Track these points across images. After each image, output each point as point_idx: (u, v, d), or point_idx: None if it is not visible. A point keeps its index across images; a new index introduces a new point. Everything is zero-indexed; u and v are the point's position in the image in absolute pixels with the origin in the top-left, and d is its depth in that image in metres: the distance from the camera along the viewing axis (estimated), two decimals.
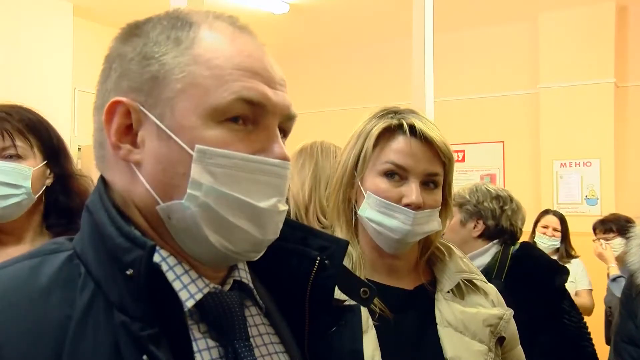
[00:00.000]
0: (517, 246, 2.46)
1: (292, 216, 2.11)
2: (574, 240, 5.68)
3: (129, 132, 0.79)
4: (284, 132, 0.84)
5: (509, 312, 1.45)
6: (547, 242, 4.28)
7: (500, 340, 1.43)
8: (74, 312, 0.72)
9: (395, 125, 1.41)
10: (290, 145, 0.92)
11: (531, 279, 2.35)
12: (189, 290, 0.79)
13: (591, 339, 2.37)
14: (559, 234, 4.33)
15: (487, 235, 2.50)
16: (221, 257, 0.79)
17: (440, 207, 1.43)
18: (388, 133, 1.41)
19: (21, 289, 0.73)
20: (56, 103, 5.58)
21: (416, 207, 1.36)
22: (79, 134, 6.03)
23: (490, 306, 1.45)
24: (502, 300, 1.51)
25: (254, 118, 0.79)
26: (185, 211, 0.75)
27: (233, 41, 0.80)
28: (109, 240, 0.75)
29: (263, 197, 0.78)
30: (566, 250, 4.32)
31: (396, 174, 1.38)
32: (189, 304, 0.78)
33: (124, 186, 0.80)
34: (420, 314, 1.41)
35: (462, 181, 3.13)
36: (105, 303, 0.74)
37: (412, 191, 1.36)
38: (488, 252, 2.48)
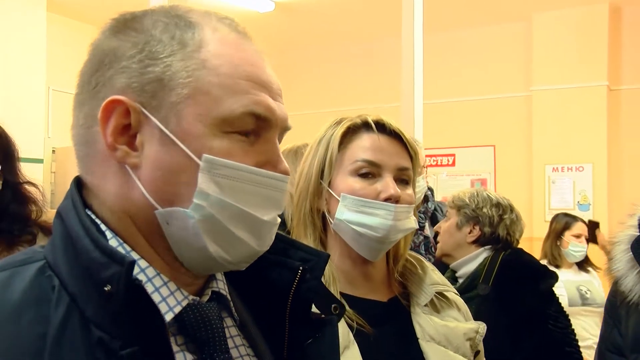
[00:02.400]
0: (507, 252, 2.49)
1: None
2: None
3: (125, 133, 0.76)
4: (278, 140, 0.85)
5: (483, 326, 1.46)
6: (582, 249, 4.23)
7: (475, 354, 1.44)
8: (49, 329, 0.71)
9: (358, 125, 1.41)
10: None
11: (517, 283, 2.37)
12: (167, 303, 0.78)
13: (578, 345, 2.39)
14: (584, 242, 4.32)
15: (481, 242, 2.51)
16: (214, 265, 0.80)
17: (414, 205, 1.43)
18: (351, 133, 1.41)
19: None
20: (29, 103, 5.54)
21: (395, 200, 1.35)
22: (53, 135, 5.99)
23: (463, 319, 1.47)
24: (470, 315, 1.52)
25: (257, 130, 0.80)
26: (188, 220, 0.75)
27: (238, 49, 0.80)
28: (83, 254, 0.73)
29: (265, 210, 0.80)
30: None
31: (369, 172, 1.38)
32: (168, 317, 0.77)
33: (114, 191, 0.78)
34: (399, 328, 1.40)
35: (453, 186, 3.15)
36: (81, 318, 0.72)
37: (388, 185, 1.35)
38: (478, 257, 2.50)
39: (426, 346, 1.36)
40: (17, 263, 0.77)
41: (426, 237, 2.90)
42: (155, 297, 0.77)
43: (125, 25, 0.79)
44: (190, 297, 0.81)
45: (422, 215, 3.02)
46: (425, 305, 1.42)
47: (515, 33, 6.44)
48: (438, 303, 1.44)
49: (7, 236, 1.67)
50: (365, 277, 1.43)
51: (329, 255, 0.95)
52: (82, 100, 0.80)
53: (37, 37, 5.70)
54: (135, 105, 0.75)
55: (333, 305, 1.02)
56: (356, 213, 1.37)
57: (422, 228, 3.00)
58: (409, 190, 1.41)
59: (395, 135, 1.39)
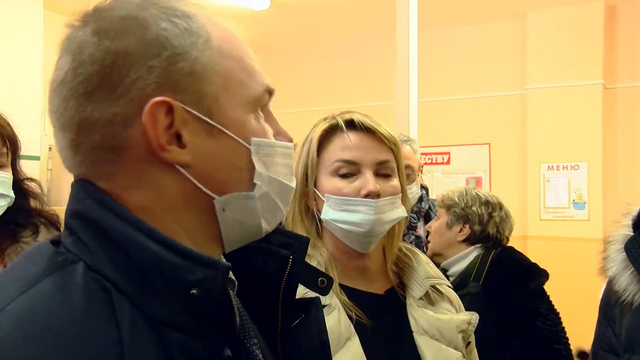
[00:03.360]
0: (498, 250, 2.51)
1: None
2: (560, 246, 5.75)
3: (166, 132, 0.75)
4: None
5: (475, 317, 1.51)
6: None
7: (467, 345, 1.49)
8: (122, 329, 0.70)
9: (333, 126, 1.46)
10: None
11: (507, 281, 2.40)
12: None
13: (568, 343, 2.42)
14: None
15: (471, 240, 2.54)
16: (253, 238, 0.86)
17: (400, 195, 1.47)
18: (329, 134, 1.46)
19: (62, 314, 0.69)
20: (25, 100, 5.53)
21: (375, 195, 1.40)
22: (49, 133, 5.98)
23: (455, 311, 1.51)
24: (462, 306, 1.57)
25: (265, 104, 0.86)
26: (247, 202, 0.81)
27: (228, 31, 0.83)
28: (147, 256, 0.73)
29: (289, 177, 0.87)
30: None
31: (348, 171, 1.42)
32: None
33: (146, 194, 0.77)
34: (394, 320, 1.44)
35: (448, 184, 3.17)
36: (145, 318, 0.72)
37: (367, 181, 1.40)
38: (469, 256, 2.53)
39: (420, 339, 1.40)
40: (60, 265, 0.74)
41: (418, 237, 2.92)
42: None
43: (126, 22, 0.76)
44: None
45: (414, 215, 3.04)
46: (420, 299, 1.46)
47: (510, 31, 6.44)
48: (432, 296, 1.48)
49: (12, 226, 1.70)
50: (361, 269, 1.48)
51: (309, 239, 0.98)
52: (95, 103, 0.76)
53: (33, 35, 5.69)
54: (177, 103, 0.75)
55: (320, 279, 1.04)
56: (340, 212, 1.42)
57: (414, 228, 3.01)
58: (393, 182, 1.45)
59: (369, 131, 1.42)
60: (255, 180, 0.80)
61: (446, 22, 6.45)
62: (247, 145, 0.79)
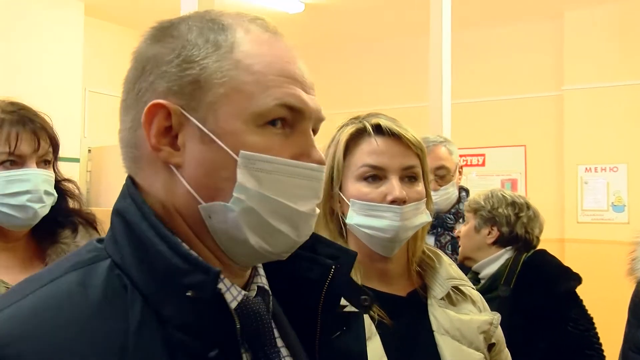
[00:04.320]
0: (530, 253, 2.49)
1: None
2: (599, 249, 5.65)
3: (167, 134, 0.80)
4: (313, 133, 0.88)
5: (497, 317, 1.50)
6: None
7: (490, 346, 1.48)
8: (130, 326, 0.74)
9: (360, 129, 1.46)
10: None
11: (536, 284, 2.38)
12: (231, 293, 0.82)
13: (601, 349, 2.37)
14: None
15: (501, 242, 2.53)
16: (256, 256, 0.84)
17: (425, 199, 1.47)
18: (356, 138, 1.46)
19: (75, 307, 0.74)
20: (66, 104, 5.63)
21: (401, 201, 1.40)
22: (89, 135, 6.08)
23: (478, 312, 1.50)
24: (487, 306, 1.56)
25: (292, 123, 0.83)
26: (228, 213, 0.78)
27: (270, 47, 0.84)
28: (160, 259, 0.76)
29: (303, 200, 0.83)
30: None
31: (374, 175, 1.42)
32: (232, 305, 0.81)
33: (162, 189, 0.82)
34: (415, 320, 1.44)
35: (483, 186, 3.14)
36: (156, 317, 0.76)
37: (393, 187, 1.40)
38: (500, 259, 2.51)
39: (440, 339, 1.41)
40: (87, 262, 0.80)
41: (453, 238, 2.90)
42: (222, 288, 0.81)
43: (164, 32, 0.84)
44: (243, 292, 0.84)
45: (451, 217, 3.02)
46: (441, 299, 1.46)
47: (547, 31, 6.35)
48: (454, 297, 1.48)
49: (52, 225, 1.73)
50: (383, 272, 1.49)
51: (356, 254, 0.98)
52: (128, 105, 0.84)
53: (74, 39, 5.81)
54: (175, 107, 0.79)
55: (363, 297, 1.05)
56: (365, 217, 1.43)
57: (450, 228, 2.99)
58: (418, 187, 1.45)
59: (396, 136, 1.42)
60: (234, 193, 0.78)
61: (480, 22, 6.40)
62: (235, 156, 0.78)
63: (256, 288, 0.88)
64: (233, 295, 0.82)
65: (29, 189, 1.62)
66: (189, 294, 0.74)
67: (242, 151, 0.78)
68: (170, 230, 0.80)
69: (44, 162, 1.68)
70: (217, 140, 0.78)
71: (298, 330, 0.93)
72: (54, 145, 1.73)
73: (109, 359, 0.71)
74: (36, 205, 1.63)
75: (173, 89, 0.79)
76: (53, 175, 1.71)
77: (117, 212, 0.83)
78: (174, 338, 0.75)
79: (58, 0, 5.67)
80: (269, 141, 0.80)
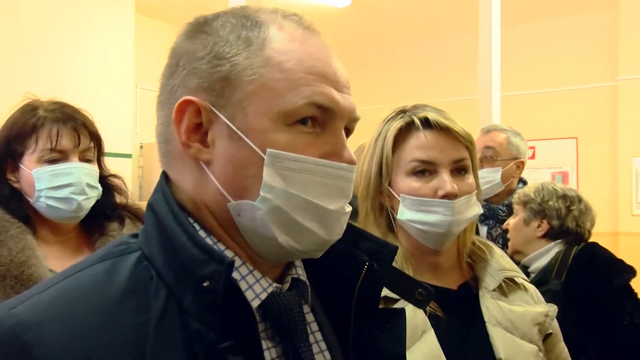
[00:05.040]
0: (581, 246, 2.44)
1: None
2: None
3: (197, 130, 0.80)
4: (347, 132, 0.86)
5: (553, 309, 1.47)
6: None
7: (546, 337, 1.45)
8: (151, 317, 0.74)
9: (408, 124, 1.43)
10: (352, 141, 0.94)
11: (589, 277, 2.33)
12: (254, 290, 0.81)
13: None
14: None
15: (551, 235, 2.48)
16: (286, 254, 0.83)
17: (476, 191, 1.45)
18: (403, 133, 1.43)
19: (100, 295, 0.75)
20: (118, 100, 5.75)
21: (453, 196, 1.38)
22: (140, 132, 6.18)
23: (533, 302, 1.47)
24: (542, 297, 1.52)
25: (323, 121, 0.81)
26: (256, 212, 0.77)
27: (303, 44, 0.82)
28: (181, 249, 0.76)
29: (331, 199, 0.81)
30: None
31: (425, 170, 1.40)
32: (254, 304, 0.80)
33: (192, 184, 0.82)
34: (467, 313, 1.42)
35: (533, 179, 3.08)
36: (177, 308, 0.76)
37: (445, 182, 1.38)
38: (550, 252, 2.47)
39: (492, 330, 1.39)
40: (117, 253, 0.81)
41: (505, 231, 2.86)
42: (242, 285, 0.80)
43: (198, 28, 0.83)
44: (274, 284, 0.83)
45: (503, 209, 2.95)
46: (493, 290, 1.44)
47: (601, 21, 6.22)
48: (507, 288, 1.46)
49: (100, 218, 1.78)
50: (434, 265, 1.47)
51: (397, 247, 0.95)
52: (162, 101, 0.84)
53: (125, 38, 5.91)
54: (205, 104, 0.79)
55: (418, 290, 1.03)
56: (417, 212, 1.41)
57: (502, 221, 2.94)
58: (469, 179, 1.44)
59: (444, 129, 1.40)
60: (261, 192, 0.77)
61: (530, 16, 6.29)
62: (262, 154, 0.77)
63: (290, 280, 0.87)
64: (263, 287, 0.81)
65: (71, 182, 1.67)
66: (205, 284, 0.74)
67: (268, 149, 0.77)
68: (199, 225, 0.81)
69: (86, 158, 1.72)
70: (244, 137, 0.77)
71: (335, 327, 0.92)
72: (97, 141, 1.77)
73: (128, 347, 0.72)
74: (79, 198, 1.68)
75: (203, 85, 0.79)
76: (96, 169, 1.75)
77: (149, 206, 0.84)
78: (192, 328, 0.75)
79: None
80: (297, 140, 0.79)
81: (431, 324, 1.36)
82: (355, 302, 0.91)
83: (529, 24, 6.45)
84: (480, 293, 1.44)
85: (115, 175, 1.87)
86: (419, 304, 1.04)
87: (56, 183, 1.66)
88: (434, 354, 1.32)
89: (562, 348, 1.53)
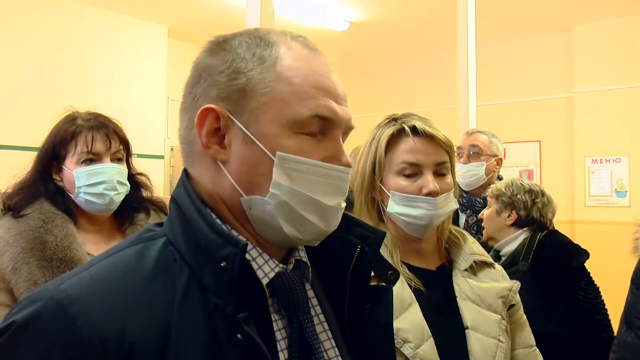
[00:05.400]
0: (544, 233, 2.46)
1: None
2: (605, 230, 5.52)
3: (216, 134, 0.80)
4: (343, 138, 0.86)
5: (516, 285, 1.50)
6: None
7: (510, 307, 1.48)
8: (176, 293, 0.75)
9: (399, 130, 1.44)
10: (349, 144, 0.93)
11: (551, 259, 2.36)
12: (263, 270, 0.81)
13: (607, 315, 2.34)
14: None
15: (519, 224, 2.51)
16: (289, 242, 0.83)
17: (453, 189, 1.47)
18: (395, 138, 1.44)
19: (133, 274, 0.75)
20: (153, 110, 5.76)
21: (435, 194, 1.40)
22: (171, 136, 6.20)
23: (501, 278, 1.50)
24: (507, 275, 1.55)
25: (324, 129, 0.81)
26: (266, 206, 0.78)
27: (308, 62, 0.82)
28: (201, 235, 0.77)
29: (330, 196, 0.82)
30: None
31: (411, 171, 1.42)
32: (264, 282, 0.80)
33: (209, 180, 0.82)
34: (443, 290, 1.45)
35: (504, 176, 3.09)
36: (199, 286, 0.76)
37: (428, 182, 1.40)
38: (518, 238, 2.49)
39: (462, 303, 1.42)
40: (146, 238, 0.82)
41: (479, 220, 2.86)
42: (254, 265, 0.80)
43: (218, 46, 0.83)
44: (280, 265, 0.83)
45: (480, 201, 2.94)
46: (465, 270, 1.46)
47: (559, 43, 6.20)
48: (477, 268, 1.48)
49: (129, 210, 1.80)
50: (417, 250, 1.49)
51: (384, 233, 0.96)
52: (185, 107, 0.84)
53: (159, 58, 5.94)
54: (223, 111, 0.79)
55: (389, 272, 1.04)
56: (403, 207, 1.42)
57: (478, 212, 2.93)
58: (448, 179, 1.45)
59: (429, 136, 1.41)
60: (270, 189, 0.77)
61: (500, 36, 6.28)
62: (272, 157, 0.77)
63: (294, 262, 0.87)
64: (270, 267, 0.82)
65: (104, 179, 1.68)
66: (222, 264, 0.74)
67: (278, 152, 0.77)
68: (215, 214, 0.80)
69: (117, 159, 1.74)
70: (257, 142, 0.78)
71: (332, 302, 0.92)
72: (125, 145, 1.78)
73: (157, 319, 0.72)
74: (111, 193, 1.69)
75: (222, 95, 0.79)
76: (125, 169, 1.76)
77: (173, 198, 0.84)
78: (211, 302, 0.75)
79: (145, 25, 5.79)
80: (302, 145, 0.79)
81: (416, 299, 1.37)
82: (349, 280, 0.90)
83: (500, 43, 6.44)
84: (454, 273, 1.46)
85: (141, 174, 1.88)
86: (390, 282, 1.04)
87: (92, 181, 1.67)
88: (417, 322, 1.34)
89: (521, 315, 1.55)
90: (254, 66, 0.79)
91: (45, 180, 1.70)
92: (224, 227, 0.79)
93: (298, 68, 0.80)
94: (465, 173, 2.91)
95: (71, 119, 1.73)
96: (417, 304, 1.37)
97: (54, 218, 1.64)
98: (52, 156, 1.71)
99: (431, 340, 1.33)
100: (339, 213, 0.84)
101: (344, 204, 0.85)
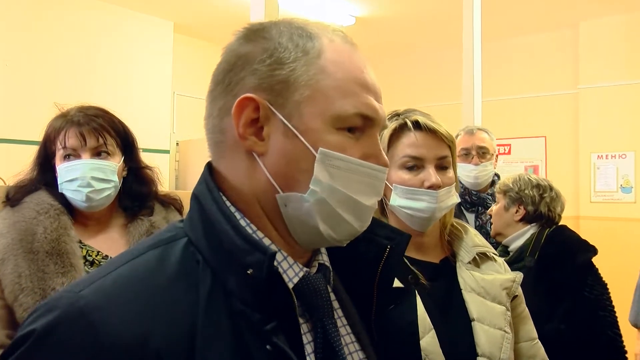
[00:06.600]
0: (552, 228, 2.44)
1: None
2: (610, 226, 5.49)
3: (253, 125, 0.77)
4: None
5: (519, 276, 1.50)
6: None
7: (513, 298, 1.48)
8: (200, 297, 0.72)
9: (401, 125, 1.45)
10: None
11: (558, 255, 2.34)
12: (287, 274, 0.79)
13: (613, 311, 2.32)
14: None
15: (527, 219, 2.49)
16: (321, 242, 0.81)
17: (455, 183, 1.47)
18: (397, 132, 1.45)
19: (155, 279, 0.73)
20: (158, 105, 5.75)
21: (437, 187, 1.40)
22: (177, 131, 6.19)
23: (503, 270, 1.51)
24: (508, 268, 1.55)
25: (364, 128, 0.80)
26: (304, 203, 0.75)
27: (350, 57, 0.81)
28: (225, 237, 0.74)
29: (367, 196, 0.80)
30: None
31: (414, 165, 1.42)
32: (289, 286, 0.77)
33: (242, 174, 0.79)
34: (447, 282, 1.45)
35: (509, 172, 3.09)
36: (223, 289, 0.73)
37: (430, 175, 1.41)
38: (526, 234, 2.47)
39: (467, 296, 1.42)
40: (166, 240, 0.78)
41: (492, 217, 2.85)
42: (279, 270, 0.77)
43: (256, 33, 0.79)
44: (304, 269, 0.81)
45: (489, 197, 2.96)
46: (468, 263, 1.47)
47: (564, 39, 6.15)
48: (480, 260, 1.48)
49: (129, 212, 1.77)
50: (419, 244, 1.49)
51: (409, 236, 0.94)
52: (216, 95, 0.80)
53: (165, 53, 5.91)
54: (264, 102, 0.75)
55: (410, 276, 1.03)
56: (406, 199, 1.43)
57: (488, 208, 2.93)
58: (450, 173, 1.45)
59: (431, 131, 1.42)
60: (311, 185, 0.75)
61: (507, 33, 6.24)
62: (314, 152, 0.75)
63: (317, 265, 0.85)
64: (295, 271, 0.79)
65: (77, 176, 1.64)
66: (249, 272, 0.71)
67: (321, 148, 0.75)
68: (239, 214, 0.77)
69: (98, 154, 1.68)
70: (299, 135, 0.75)
71: (357, 304, 0.90)
72: (124, 138, 1.75)
73: (181, 324, 0.70)
74: (85, 190, 1.64)
75: (262, 85, 0.76)
76: (111, 164, 1.69)
77: (194, 196, 0.81)
78: (237, 308, 0.72)
79: (151, 20, 5.78)
80: (344, 141, 0.77)
81: (417, 292, 1.37)
82: (377, 282, 0.89)
83: (506, 40, 6.40)
84: (457, 265, 1.47)
85: (148, 167, 1.85)
86: (409, 285, 1.03)
87: (68, 177, 1.65)
88: (420, 316, 1.33)
89: (524, 308, 1.55)
90: (298, 57, 0.76)
91: (44, 173, 1.71)
92: (249, 229, 0.76)
93: (341, 62, 0.79)
94: (478, 174, 2.91)
95: (61, 115, 1.72)
96: (418, 297, 1.36)
97: (47, 209, 1.62)
98: (45, 153, 1.72)
99: (433, 333, 1.32)
100: (372, 213, 0.82)
101: (376, 205, 0.83)
